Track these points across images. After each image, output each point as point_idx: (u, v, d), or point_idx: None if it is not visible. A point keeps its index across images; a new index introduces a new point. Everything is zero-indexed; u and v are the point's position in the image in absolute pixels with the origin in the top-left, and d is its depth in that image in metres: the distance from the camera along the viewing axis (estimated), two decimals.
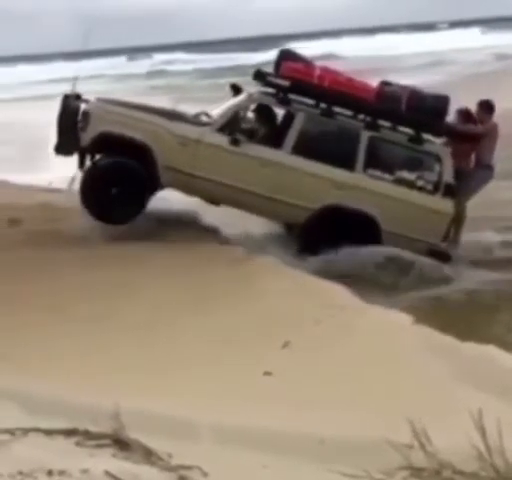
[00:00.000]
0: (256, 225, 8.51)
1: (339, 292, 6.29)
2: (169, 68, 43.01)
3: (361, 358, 4.81)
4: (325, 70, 8.18)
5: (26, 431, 3.48)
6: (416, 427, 3.12)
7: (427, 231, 7.86)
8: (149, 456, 3.34)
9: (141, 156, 7.88)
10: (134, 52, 61.38)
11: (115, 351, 5.10)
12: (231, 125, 7.97)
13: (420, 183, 8.00)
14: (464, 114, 8.40)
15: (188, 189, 8.08)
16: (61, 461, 3.12)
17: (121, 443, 3.41)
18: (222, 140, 7.92)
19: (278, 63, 8.23)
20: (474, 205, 8.48)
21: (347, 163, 7.91)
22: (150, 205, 8.29)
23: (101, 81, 34.54)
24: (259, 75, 8.06)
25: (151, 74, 39.68)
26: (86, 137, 7.99)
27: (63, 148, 8.15)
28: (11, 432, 3.47)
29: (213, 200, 8.22)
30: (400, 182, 7.97)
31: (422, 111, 7.85)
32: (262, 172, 7.88)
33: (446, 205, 7.89)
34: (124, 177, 7.90)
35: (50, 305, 6.13)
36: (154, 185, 8.07)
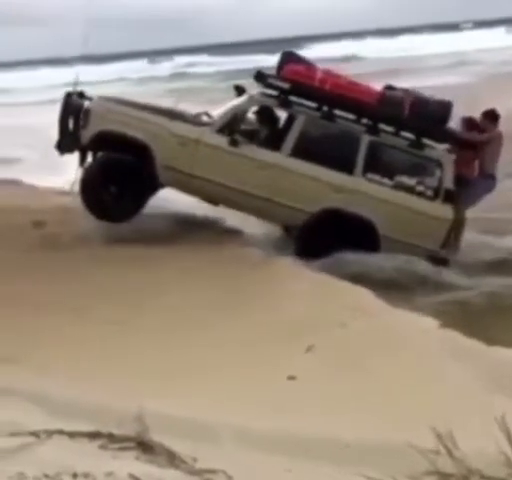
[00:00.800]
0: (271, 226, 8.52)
1: (363, 295, 6.24)
2: (190, 70, 43.08)
3: (386, 362, 4.76)
4: (327, 73, 8.16)
5: (50, 434, 3.49)
6: (442, 432, 3.08)
7: (426, 237, 7.78)
8: (173, 459, 3.34)
9: (140, 155, 7.90)
10: (156, 55, 61.57)
11: (138, 354, 5.11)
12: (231, 126, 7.97)
13: (420, 188, 7.92)
14: (468, 122, 8.33)
15: (186, 189, 8.10)
16: (85, 464, 3.12)
17: (145, 446, 3.41)
18: (221, 141, 7.92)
19: (280, 65, 8.22)
20: (494, 208, 8.42)
21: (346, 167, 7.86)
22: (171, 207, 8.36)
23: (123, 84, 34.75)
24: (260, 76, 8.05)
25: (172, 77, 39.77)
26: (86, 135, 8.05)
27: (64, 146, 8.23)
28: (36, 435, 3.49)
29: (212, 200, 8.23)
30: (399, 187, 7.90)
31: (424, 117, 7.79)
32: (260, 174, 7.86)
33: (446, 211, 7.81)
34: (123, 175, 7.95)
35: (72, 307, 6.16)
36: (153, 184, 8.10)
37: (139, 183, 7.99)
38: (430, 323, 5.60)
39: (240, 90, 8.45)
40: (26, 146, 13.68)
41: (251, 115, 8.40)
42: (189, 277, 6.76)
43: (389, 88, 8.29)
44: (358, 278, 6.92)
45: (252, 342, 5.16)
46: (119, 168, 7.96)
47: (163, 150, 7.88)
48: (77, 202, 8.79)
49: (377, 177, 7.91)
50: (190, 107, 8.94)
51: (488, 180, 8.23)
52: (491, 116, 8.30)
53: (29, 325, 5.76)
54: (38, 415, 3.99)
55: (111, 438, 3.46)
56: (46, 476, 3.00)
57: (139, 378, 4.62)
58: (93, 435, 3.48)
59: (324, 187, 7.79)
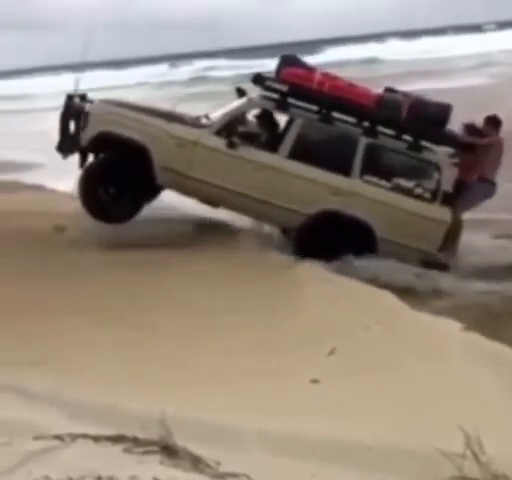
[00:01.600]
0: None
1: (386, 298, 6.21)
2: (210, 74, 43.12)
3: (410, 365, 4.73)
4: (325, 75, 8.14)
5: (74, 437, 3.51)
6: (468, 436, 3.06)
7: (423, 240, 7.72)
8: (197, 463, 3.34)
9: (138, 156, 7.94)
10: (177, 59, 61.80)
11: (159, 358, 5.10)
12: (228, 128, 7.98)
13: (418, 191, 7.86)
14: (469, 128, 8.27)
15: (184, 190, 8.13)
16: (110, 467, 3.13)
17: (169, 450, 3.42)
18: (219, 143, 7.94)
19: (279, 68, 8.23)
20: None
21: (344, 169, 7.83)
22: (185, 210, 8.40)
23: (143, 89, 34.87)
24: (258, 79, 8.06)
25: (192, 81, 39.88)
26: (85, 137, 8.11)
27: (64, 148, 8.30)
28: (60, 438, 3.50)
29: (210, 202, 8.23)
30: (397, 189, 7.84)
31: (423, 119, 7.75)
32: (257, 176, 7.86)
33: (444, 214, 7.74)
34: (121, 176, 8.01)
35: (93, 311, 6.18)
36: (151, 185, 8.12)
37: (137, 184, 8.05)
38: (453, 326, 5.56)
39: (241, 92, 8.47)
40: (46, 151, 13.81)
41: (252, 119, 8.38)
42: (209, 281, 6.76)
43: (389, 91, 8.29)
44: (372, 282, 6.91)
45: (275, 345, 5.14)
46: (117, 169, 8.03)
47: (161, 151, 7.93)
48: None
49: (375, 179, 7.86)
50: (210, 111, 8.95)
51: (487, 185, 8.16)
52: (493, 122, 8.24)
53: (51, 329, 5.79)
54: (61, 419, 4.01)
55: (135, 442, 3.47)
56: (70, 479, 3.02)
57: (161, 382, 4.61)
58: (117, 439, 3.49)
59: (321, 189, 7.78)
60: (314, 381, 4.49)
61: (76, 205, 9.04)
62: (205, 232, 8.18)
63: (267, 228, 8.51)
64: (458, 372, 4.65)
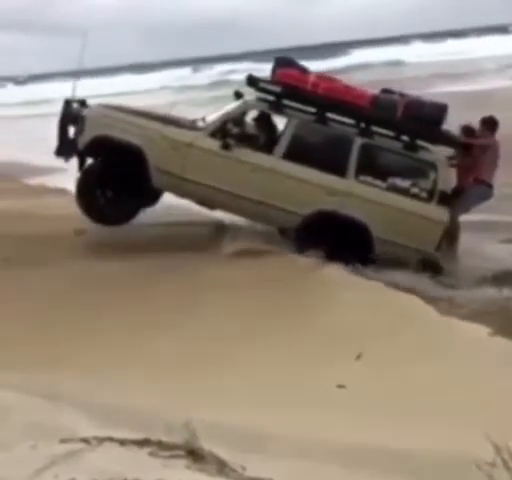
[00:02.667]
0: None
1: (413, 302, 6.16)
2: (232, 78, 43.13)
3: (438, 371, 4.67)
4: (320, 77, 8.17)
5: (101, 440, 3.50)
6: (498, 443, 3.01)
7: (420, 239, 7.69)
8: (223, 468, 3.32)
9: (134, 159, 7.98)
10: (200, 62, 61.98)
11: (185, 361, 5.11)
12: (223, 130, 8.01)
13: (414, 190, 7.85)
14: (467, 130, 8.21)
15: (180, 192, 8.16)
16: (136, 471, 3.12)
17: (194, 454, 3.40)
18: (213, 144, 7.97)
19: (274, 70, 8.25)
20: None
21: (339, 169, 7.83)
22: (207, 215, 8.45)
23: (165, 93, 35.03)
24: (252, 81, 8.08)
25: (213, 84, 39.92)
26: (82, 141, 8.19)
27: (63, 152, 8.37)
28: (86, 441, 3.50)
29: (205, 203, 8.27)
30: (393, 189, 7.84)
31: (418, 119, 7.74)
32: (253, 177, 7.87)
33: (440, 213, 7.72)
34: (118, 179, 8.07)
35: (117, 313, 6.21)
36: (150, 189, 8.16)
37: (134, 187, 8.10)
38: (481, 331, 5.50)
39: (238, 96, 8.45)
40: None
41: (250, 122, 8.42)
42: (237, 285, 6.76)
43: (386, 92, 8.28)
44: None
45: (301, 349, 5.11)
46: (114, 172, 8.09)
47: (156, 154, 7.98)
48: None
49: (370, 179, 7.85)
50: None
51: (484, 188, 8.09)
52: (489, 123, 8.18)
53: (76, 332, 5.83)
54: (87, 422, 4.01)
55: (160, 446, 3.45)
56: None
57: (187, 385, 4.61)
58: (143, 442, 3.48)
59: (316, 190, 7.79)
60: (340, 386, 4.46)
61: None
62: (229, 236, 8.19)
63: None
64: (487, 377, 4.59)
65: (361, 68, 37.64)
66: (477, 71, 29.58)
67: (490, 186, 8.11)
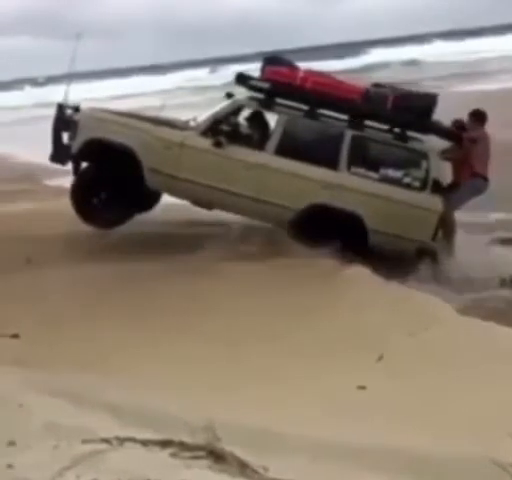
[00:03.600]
0: None
1: (434, 304, 6.12)
2: None
3: (459, 373, 4.64)
4: (309, 73, 8.21)
5: (122, 441, 3.50)
6: None
7: (416, 229, 7.71)
8: (244, 469, 3.31)
9: (127, 160, 8.03)
10: (217, 63, 61.96)
11: (206, 362, 5.11)
12: (214, 129, 8.04)
13: (407, 180, 7.88)
14: (458, 125, 8.23)
15: (174, 191, 8.20)
16: (158, 472, 3.12)
17: (216, 455, 3.39)
18: (205, 143, 8.01)
19: (263, 68, 8.33)
20: None
21: (331, 162, 7.87)
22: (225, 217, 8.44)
23: (181, 94, 35.05)
24: (241, 78, 8.16)
25: (229, 85, 39.86)
26: (75, 144, 8.25)
27: (57, 157, 8.44)
28: (108, 442, 3.50)
29: (200, 203, 8.30)
30: (386, 180, 7.87)
31: (408, 109, 7.77)
32: (245, 174, 7.92)
33: (434, 202, 7.74)
34: (111, 181, 8.13)
35: (139, 315, 6.23)
36: (144, 192, 8.19)
37: (128, 188, 8.16)
38: (503, 331, 5.46)
39: (230, 97, 8.52)
40: None
41: (241, 119, 8.46)
42: (258, 288, 6.75)
43: (376, 86, 8.35)
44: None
45: (321, 351, 5.10)
46: (108, 174, 8.15)
47: (149, 154, 8.03)
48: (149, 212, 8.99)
49: (362, 171, 7.89)
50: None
51: (479, 181, 8.10)
52: (478, 116, 8.22)
53: (98, 333, 5.85)
54: (108, 422, 4.02)
55: (182, 447, 3.45)
56: None
57: (208, 387, 4.61)
58: (165, 443, 3.48)
59: (309, 184, 7.84)
60: (361, 387, 4.44)
61: None
62: (252, 239, 8.19)
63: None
64: (509, 380, 4.55)
65: (380, 67, 37.47)
66: (496, 70, 29.36)
67: (485, 179, 8.12)
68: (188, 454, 3.40)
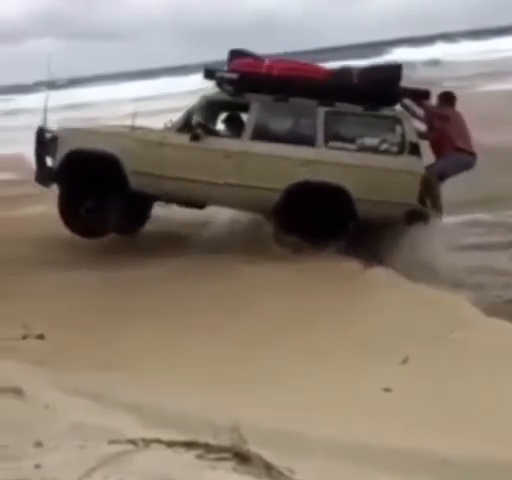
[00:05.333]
0: None
1: (461, 305, 6.07)
2: None
3: (486, 376, 4.59)
4: (275, 60, 8.37)
5: (148, 442, 3.51)
6: None
7: (399, 192, 7.78)
8: (270, 471, 3.30)
9: (110, 167, 8.13)
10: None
11: (230, 362, 5.10)
12: (190, 124, 8.17)
13: (384, 147, 8.01)
14: (447, 98, 8.38)
15: (158, 190, 8.23)
16: (184, 473, 3.12)
17: (241, 457, 3.39)
18: (183, 138, 8.12)
19: (229, 63, 8.49)
20: None
21: (307, 140, 7.99)
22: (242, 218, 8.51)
23: (195, 97, 35.02)
24: (208, 73, 8.36)
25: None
26: (57, 159, 8.38)
27: (41, 179, 8.56)
28: (134, 443, 3.51)
29: (189, 202, 8.37)
30: (364, 149, 8.00)
31: (374, 82, 7.93)
32: (226, 162, 8.02)
33: (414, 163, 7.82)
34: (96, 192, 8.23)
35: (164, 316, 6.25)
36: (126, 193, 8.24)
37: (113, 195, 8.25)
38: None
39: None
40: None
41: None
42: (281, 288, 6.74)
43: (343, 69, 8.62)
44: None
45: (346, 353, 5.08)
46: (92, 184, 8.23)
47: (130, 158, 8.14)
48: (162, 212, 9.03)
49: (339, 144, 8.05)
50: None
51: (463, 155, 8.15)
52: (447, 97, 8.36)
53: (123, 334, 5.88)
54: (133, 423, 4.03)
55: (207, 448, 3.45)
56: None
57: (232, 388, 4.60)
58: (190, 445, 3.48)
59: (290, 163, 7.95)
60: (386, 390, 4.41)
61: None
62: (261, 237, 8.20)
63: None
64: None
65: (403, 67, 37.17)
66: None
67: (472, 154, 8.19)
68: (213, 456, 3.39)
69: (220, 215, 8.85)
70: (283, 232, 7.84)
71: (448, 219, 9.05)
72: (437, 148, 8.25)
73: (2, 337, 5.79)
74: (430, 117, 8.32)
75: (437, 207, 8.10)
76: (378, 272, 7.09)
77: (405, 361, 4.81)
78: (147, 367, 5.10)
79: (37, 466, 3.20)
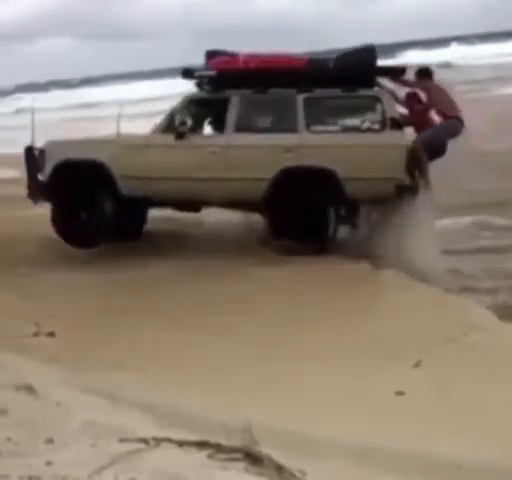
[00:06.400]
0: None
1: (474, 309, 6.03)
2: None
3: (498, 381, 4.53)
4: (250, 55, 8.43)
5: (159, 441, 3.50)
6: None
7: (386, 167, 7.83)
8: (282, 472, 3.29)
9: (98, 174, 8.21)
10: None
11: (241, 364, 5.08)
12: (173, 125, 8.21)
13: (366, 125, 8.21)
14: (412, 96, 8.50)
15: (149, 193, 8.23)
16: (195, 473, 3.11)
17: (253, 458, 3.37)
18: (168, 138, 8.20)
19: (207, 62, 8.60)
20: None
21: (290, 127, 8.07)
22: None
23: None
24: (186, 73, 8.46)
25: None
26: (46, 172, 8.44)
27: (34, 195, 8.55)
28: (145, 441, 3.51)
29: (185, 206, 8.42)
30: (346, 130, 8.22)
31: (349, 65, 8.08)
32: (213, 157, 8.09)
33: (397, 137, 7.92)
34: (88, 201, 8.26)
35: (174, 317, 6.25)
36: (118, 200, 8.29)
37: (104, 203, 8.29)
38: None
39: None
40: None
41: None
42: (292, 291, 6.73)
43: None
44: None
45: (358, 355, 5.04)
46: (83, 193, 8.27)
47: (118, 163, 8.22)
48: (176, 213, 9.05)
49: (322, 128, 8.20)
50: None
51: (453, 121, 8.20)
52: (423, 72, 8.45)
53: (134, 333, 5.87)
54: (145, 422, 4.03)
55: (219, 448, 3.44)
56: None
57: (243, 388, 4.59)
58: (201, 444, 3.47)
59: (275, 151, 8.03)
60: (399, 393, 4.38)
61: (156, 213, 9.22)
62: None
63: None
64: None
65: (415, 70, 37.06)
66: None
67: (460, 120, 8.23)
68: (224, 456, 3.39)
69: (224, 216, 8.84)
70: (275, 223, 7.96)
71: (458, 220, 9.06)
72: (421, 130, 8.32)
73: (14, 334, 5.81)
74: (410, 98, 8.48)
75: (425, 178, 8.09)
76: (389, 274, 7.05)
77: (418, 364, 4.78)
78: (156, 367, 5.09)
79: (48, 463, 3.20)
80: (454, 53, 45.22)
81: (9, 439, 3.49)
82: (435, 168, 8.31)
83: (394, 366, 4.80)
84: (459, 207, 9.60)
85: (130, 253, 8.46)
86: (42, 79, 71.80)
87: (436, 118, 8.43)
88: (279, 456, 3.36)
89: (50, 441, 3.49)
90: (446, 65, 38.30)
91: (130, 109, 11.13)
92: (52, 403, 4.07)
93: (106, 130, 9.28)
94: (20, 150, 8.95)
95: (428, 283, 6.80)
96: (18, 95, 51.80)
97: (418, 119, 8.39)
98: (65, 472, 3.10)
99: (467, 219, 9.29)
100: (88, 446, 3.44)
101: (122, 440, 3.51)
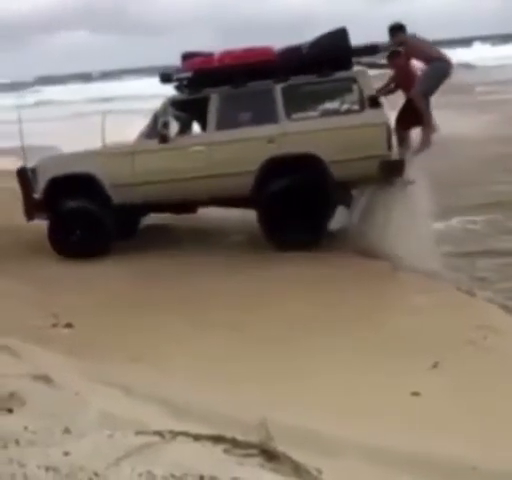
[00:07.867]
0: None
1: (493, 312, 5.98)
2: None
3: None
4: (225, 53, 8.45)
5: (175, 435, 3.51)
6: None
7: (368, 146, 7.84)
8: (297, 470, 3.29)
9: (89, 186, 8.31)
10: None
11: (258, 360, 5.08)
12: (157, 129, 8.28)
13: (345, 107, 8.37)
14: (396, 55, 8.45)
15: (140, 198, 8.28)
16: (211, 468, 3.12)
17: (268, 454, 3.38)
18: (153, 143, 8.29)
19: (183, 63, 8.62)
20: None
21: (271, 118, 8.14)
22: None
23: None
24: (164, 77, 8.48)
25: None
26: (39, 189, 8.54)
27: (28, 213, 8.61)
28: (161, 435, 3.52)
29: (176, 205, 8.45)
30: (326, 114, 8.38)
31: (322, 50, 8.07)
32: (198, 156, 8.17)
33: (377, 115, 7.95)
34: (82, 217, 8.37)
35: (192, 312, 6.27)
36: (112, 209, 8.37)
37: (98, 219, 8.35)
38: None
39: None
40: None
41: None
42: (310, 289, 6.70)
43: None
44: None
45: (375, 354, 5.02)
46: (76, 211, 8.39)
47: (107, 173, 8.31)
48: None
49: (302, 115, 8.32)
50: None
51: (440, 62, 8.13)
52: (393, 28, 8.33)
53: (150, 326, 5.90)
54: (160, 415, 4.05)
55: (235, 443, 3.45)
56: (173, 476, 3.02)
57: (260, 384, 4.58)
58: (217, 439, 3.48)
59: (258, 142, 8.04)
60: (415, 394, 4.37)
61: None
62: None
63: None
64: None
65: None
66: None
67: (446, 61, 8.18)
68: (240, 451, 3.39)
69: (235, 213, 8.84)
70: (266, 216, 8.00)
71: (471, 218, 9.02)
72: (405, 84, 8.32)
73: (32, 325, 5.85)
74: (393, 58, 8.45)
75: (406, 143, 8.23)
76: (410, 275, 7.00)
77: (435, 366, 4.76)
78: (172, 360, 5.11)
79: (66, 453, 3.22)
80: (476, 53, 44.88)
81: (26, 428, 3.51)
82: (453, 168, 8.26)
83: (411, 366, 4.78)
84: (476, 207, 9.56)
85: (149, 246, 8.51)
86: (60, 72, 72.05)
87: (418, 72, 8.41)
88: (295, 453, 3.37)
89: (67, 431, 3.51)
90: (468, 66, 38.13)
91: (147, 104, 11.13)
92: (69, 394, 4.10)
93: (125, 125, 9.28)
94: (41, 143, 9.01)
95: (446, 284, 6.77)
96: (37, 87, 52.10)
97: (400, 73, 8.41)
98: (82, 462, 3.12)
99: (483, 218, 9.24)
100: (105, 437, 3.45)
101: (138, 432, 3.52)
